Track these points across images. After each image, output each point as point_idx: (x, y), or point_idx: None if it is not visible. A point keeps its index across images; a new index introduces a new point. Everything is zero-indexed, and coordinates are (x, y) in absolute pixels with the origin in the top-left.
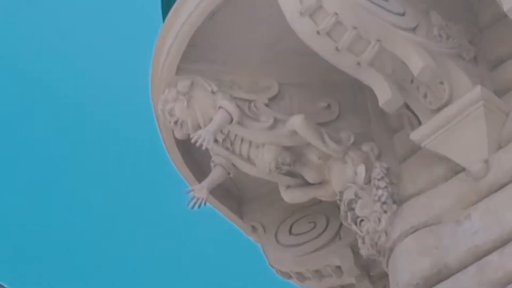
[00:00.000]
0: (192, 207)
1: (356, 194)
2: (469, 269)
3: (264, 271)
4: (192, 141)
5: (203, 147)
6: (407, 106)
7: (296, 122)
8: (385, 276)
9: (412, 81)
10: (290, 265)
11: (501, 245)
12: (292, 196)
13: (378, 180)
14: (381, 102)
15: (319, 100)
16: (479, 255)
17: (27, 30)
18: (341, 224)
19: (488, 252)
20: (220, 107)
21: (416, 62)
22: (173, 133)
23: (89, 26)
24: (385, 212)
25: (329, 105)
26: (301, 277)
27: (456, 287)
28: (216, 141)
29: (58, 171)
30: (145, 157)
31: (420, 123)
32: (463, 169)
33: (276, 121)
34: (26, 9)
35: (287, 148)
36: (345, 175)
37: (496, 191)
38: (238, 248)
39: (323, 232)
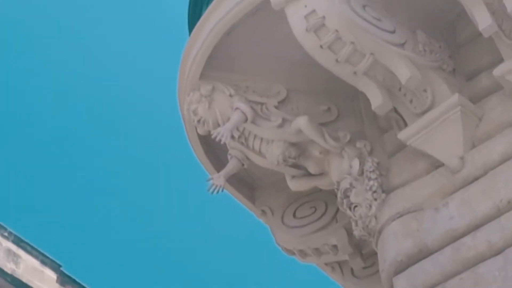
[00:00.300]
0: (212, 193)
1: (351, 184)
2: (446, 249)
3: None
4: (212, 137)
5: (222, 142)
6: (395, 110)
7: (301, 122)
8: (374, 254)
9: (400, 89)
10: (294, 243)
11: (474, 229)
12: (296, 184)
13: (370, 172)
14: (373, 106)
15: (321, 103)
16: (455, 238)
17: (69, 44)
18: (337, 209)
19: (462, 235)
20: (236, 108)
21: (404, 73)
22: (196, 130)
23: (124, 41)
24: (375, 199)
25: (329, 108)
26: (303, 254)
27: (434, 264)
28: (232, 137)
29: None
30: (171, 152)
31: (406, 124)
32: (442, 164)
33: (284, 121)
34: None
35: (293, 144)
36: (342, 168)
37: (470, 183)
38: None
39: (322, 216)
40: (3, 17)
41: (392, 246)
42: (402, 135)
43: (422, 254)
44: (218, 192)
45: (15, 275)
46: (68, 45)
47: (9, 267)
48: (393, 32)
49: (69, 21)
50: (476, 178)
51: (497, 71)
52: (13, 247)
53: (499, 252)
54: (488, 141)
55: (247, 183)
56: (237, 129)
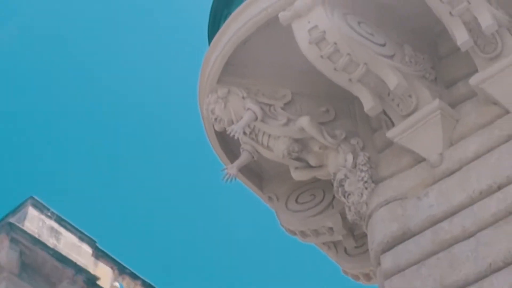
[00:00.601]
0: (226, 181)
1: (345, 175)
2: (426, 232)
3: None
4: (227, 132)
5: (235, 137)
6: (384, 112)
7: (304, 121)
8: (364, 235)
9: (389, 94)
10: (296, 225)
11: (450, 216)
12: (299, 175)
13: (362, 165)
14: (366, 109)
15: (321, 106)
16: (434, 222)
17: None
18: (333, 197)
19: (440, 221)
20: (248, 109)
21: (392, 80)
22: (213, 127)
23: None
24: (366, 189)
25: (328, 110)
26: (303, 234)
27: (416, 245)
28: (244, 133)
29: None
30: (192, 144)
31: (393, 125)
32: (424, 160)
33: (289, 120)
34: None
35: (296, 140)
36: (338, 161)
37: (447, 176)
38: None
39: (320, 202)
40: (54, 33)
41: (380, 229)
42: (390, 134)
43: (405, 236)
44: (231, 180)
45: (56, 249)
46: (109, 53)
47: (51, 242)
48: (383, 45)
49: (108, 34)
50: (452, 172)
51: (472, 81)
52: (55, 225)
53: (471, 235)
54: (463, 141)
55: (257, 173)
56: (249, 126)
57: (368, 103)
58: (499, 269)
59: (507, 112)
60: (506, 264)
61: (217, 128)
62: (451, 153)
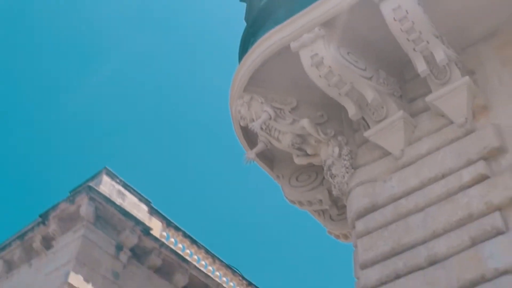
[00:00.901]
0: (246, 163)
1: (333, 162)
2: (389, 206)
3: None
4: (249, 127)
5: (255, 131)
6: (363, 118)
7: (304, 122)
8: (344, 206)
9: (367, 105)
10: (295, 197)
11: (407, 195)
12: (299, 160)
13: (345, 156)
14: (350, 115)
15: (317, 111)
16: (395, 199)
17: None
18: (323, 177)
19: (399, 198)
20: (265, 111)
21: (370, 95)
22: (239, 123)
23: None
24: (347, 173)
25: (322, 114)
26: (300, 203)
27: (381, 215)
28: (261, 128)
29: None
30: (224, 135)
31: (369, 127)
32: (390, 153)
33: (294, 120)
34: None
35: (299, 135)
36: (328, 152)
37: (406, 166)
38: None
39: (314, 181)
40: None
41: (356, 202)
42: (366, 133)
43: (374, 208)
44: (250, 163)
45: (122, 207)
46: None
47: (118, 201)
48: (364, 69)
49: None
50: (410, 164)
51: (428, 98)
52: (122, 189)
53: (421, 210)
54: (419, 141)
55: (269, 158)
56: (264, 124)
57: (352, 110)
58: (439, 235)
59: (451, 122)
60: (445, 232)
61: (242, 124)
62: (410, 150)
